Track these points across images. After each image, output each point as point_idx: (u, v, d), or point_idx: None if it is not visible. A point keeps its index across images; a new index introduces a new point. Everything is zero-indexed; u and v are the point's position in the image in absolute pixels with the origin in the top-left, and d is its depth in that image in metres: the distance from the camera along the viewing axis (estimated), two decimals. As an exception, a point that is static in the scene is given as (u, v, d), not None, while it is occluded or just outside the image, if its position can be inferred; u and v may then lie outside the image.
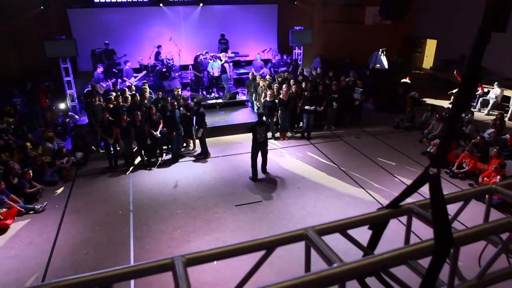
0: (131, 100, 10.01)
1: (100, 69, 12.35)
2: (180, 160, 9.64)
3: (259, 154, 8.59)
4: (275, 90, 10.74)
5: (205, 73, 13.16)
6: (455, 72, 13.70)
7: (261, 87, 11.53)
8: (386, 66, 14.95)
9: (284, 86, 10.81)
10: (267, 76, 12.64)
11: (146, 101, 10.06)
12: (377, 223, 2.13)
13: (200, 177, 8.73)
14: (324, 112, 11.53)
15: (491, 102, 13.03)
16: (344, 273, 1.55)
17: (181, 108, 9.72)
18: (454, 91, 13.51)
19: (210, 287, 5.36)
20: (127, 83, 12.36)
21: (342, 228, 1.96)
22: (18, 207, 7.28)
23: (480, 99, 13.38)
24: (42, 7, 13.14)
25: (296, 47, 15.31)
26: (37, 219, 7.23)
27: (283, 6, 16.68)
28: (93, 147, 10.20)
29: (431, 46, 19.04)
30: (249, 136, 8.82)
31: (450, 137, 1.93)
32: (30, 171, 8.10)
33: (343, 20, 17.40)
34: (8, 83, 12.31)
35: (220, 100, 12.66)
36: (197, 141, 10.14)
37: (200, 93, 13.05)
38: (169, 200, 7.77)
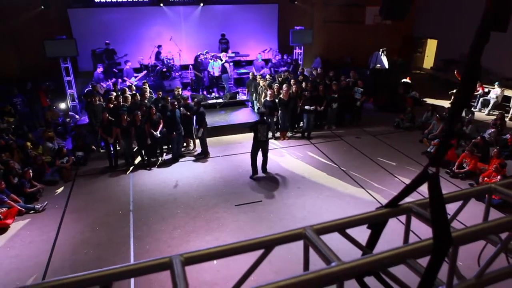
0: (131, 100, 10.02)
1: (99, 69, 12.36)
2: (180, 160, 9.65)
3: (260, 153, 8.59)
4: (275, 90, 10.74)
5: (205, 73, 13.18)
6: (455, 72, 13.68)
7: (261, 87, 11.52)
8: (387, 66, 14.94)
9: (284, 86, 10.80)
10: (267, 76, 12.65)
11: (146, 101, 10.07)
12: (376, 222, 2.12)
13: (200, 177, 8.73)
14: (325, 112, 11.52)
15: (492, 102, 13.03)
16: (342, 272, 1.54)
17: (181, 108, 9.73)
18: (455, 91, 13.48)
19: (210, 287, 5.37)
20: (128, 83, 12.36)
21: (341, 227, 1.95)
22: (19, 207, 7.30)
23: (481, 99, 13.38)
24: (42, 7, 13.14)
25: (297, 47, 15.32)
26: (37, 219, 7.24)
27: (283, 6, 16.68)
28: (93, 147, 10.21)
29: (431, 46, 19.02)
30: (249, 136, 8.82)
31: (450, 137, 1.92)
32: (30, 171, 8.11)
33: (344, 20, 17.39)
34: (8, 83, 12.33)
35: (220, 100, 12.67)
36: (197, 141, 10.15)
37: (201, 93, 13.07)
38: (169, 200, 7.77)
